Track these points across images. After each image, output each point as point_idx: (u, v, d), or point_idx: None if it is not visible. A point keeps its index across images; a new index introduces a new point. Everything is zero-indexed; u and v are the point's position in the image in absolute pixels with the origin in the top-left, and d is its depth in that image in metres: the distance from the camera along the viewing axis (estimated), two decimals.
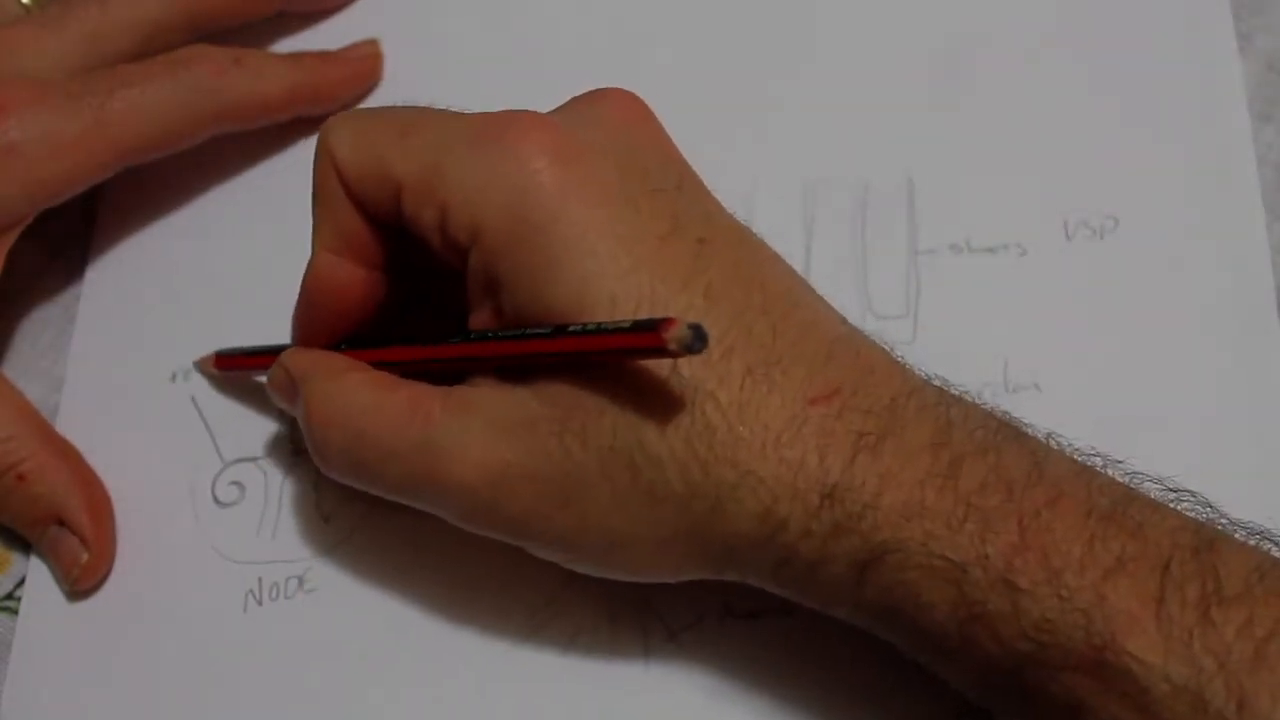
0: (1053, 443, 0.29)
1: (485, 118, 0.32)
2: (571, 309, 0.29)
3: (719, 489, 0.29)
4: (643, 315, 0.29)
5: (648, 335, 0.27)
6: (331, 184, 0.33)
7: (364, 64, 0.44)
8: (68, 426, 0.40)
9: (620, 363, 0.29)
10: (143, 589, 0.38)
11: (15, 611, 0.38)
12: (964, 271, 0.38)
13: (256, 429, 0.40)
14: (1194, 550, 0.26)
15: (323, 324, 0.35)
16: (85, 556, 0.38)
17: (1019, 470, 0.28)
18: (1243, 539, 0.27)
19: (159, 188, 0.43)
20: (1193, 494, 0.29)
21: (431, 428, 0.31)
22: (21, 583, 0.39)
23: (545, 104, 0.33)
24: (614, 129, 0.32)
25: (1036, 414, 0.30)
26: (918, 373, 0.31)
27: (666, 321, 0.27)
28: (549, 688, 0.35)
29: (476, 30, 0.44)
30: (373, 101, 0.44)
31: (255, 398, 0.40)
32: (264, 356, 0.37)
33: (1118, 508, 0.27)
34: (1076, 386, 0.36)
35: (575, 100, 0.33)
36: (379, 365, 0.34)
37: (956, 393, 0.30)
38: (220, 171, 0.44)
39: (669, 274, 0.30)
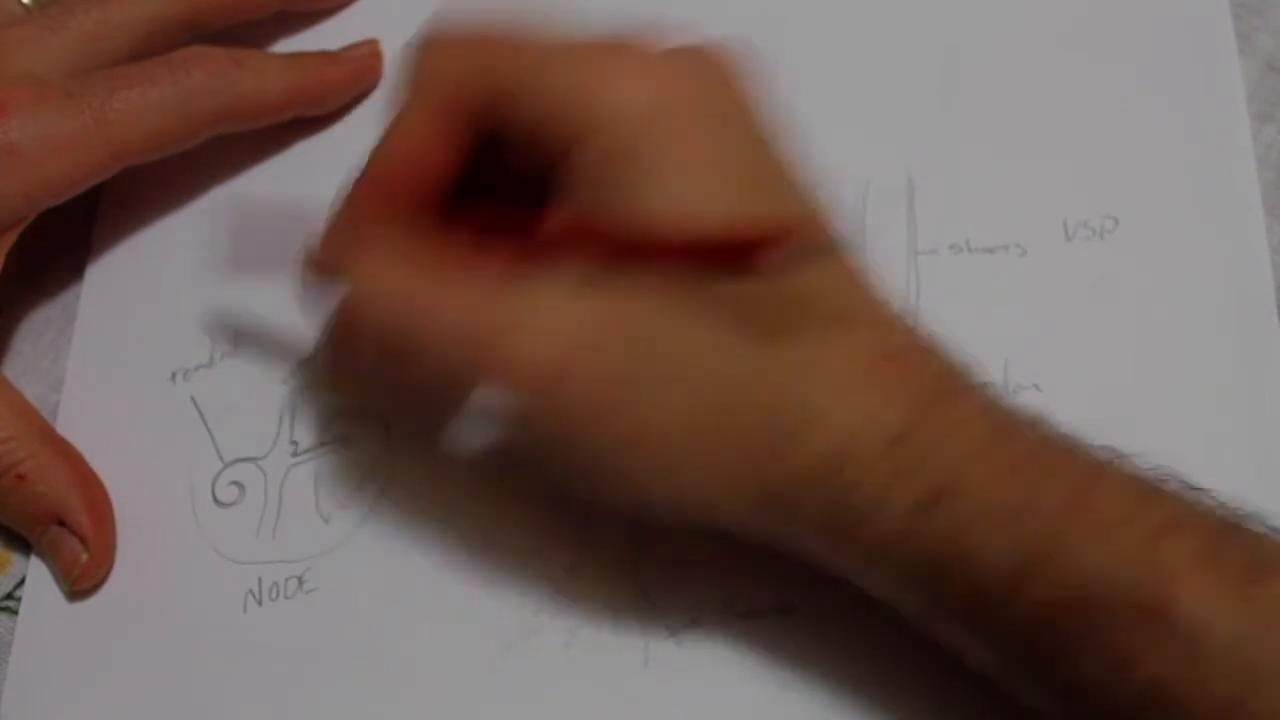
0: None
1: (596, 36, 0.32)
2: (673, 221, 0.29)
3: (793, 417, 0.29)
4: None
5: (756, 243, 0.27)
6: (430, 69, 0.32)
7: (364, 64, 0.44)
8: (68, 426, 0.40)
9: (717, 272, 0.29)
10: (143, 589, 0.38)
11: (15, 611, 0.38)
12: (964, 271, 0.38)
13: (256, 429, 0.39)
14: (1232, 525, 0.27)
15: (382, 200, 0.33)
16: (85, 556, 0.38)
17: (1063, 445, 0.29)
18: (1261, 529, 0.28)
19: (159, 188, 0.43)
20: (1210, 493, 0.29)
21: (499, 297, 0.29)
22: (21, 583, 0.39)
23: None
24: (714, 75, 0.32)
25: None
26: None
27: (783, 231, 0.27)
28: (548, 686, 0.35)
29: None
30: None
31: (255, 398, 0.40)
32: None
33: (1155, 484, 0.28)
34: (1077, 386, 0.36)
35: (671, 49, 0.32)
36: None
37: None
38: (220, 171, 0.44)
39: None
